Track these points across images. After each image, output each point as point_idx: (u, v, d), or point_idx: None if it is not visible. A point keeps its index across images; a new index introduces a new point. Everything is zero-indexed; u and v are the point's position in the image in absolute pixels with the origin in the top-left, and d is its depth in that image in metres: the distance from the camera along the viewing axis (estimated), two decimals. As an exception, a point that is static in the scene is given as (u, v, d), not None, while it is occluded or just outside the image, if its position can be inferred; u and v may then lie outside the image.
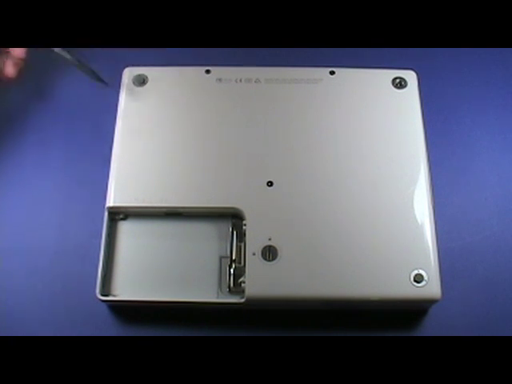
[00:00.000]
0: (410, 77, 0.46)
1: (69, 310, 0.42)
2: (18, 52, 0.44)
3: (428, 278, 0.39)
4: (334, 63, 0.47)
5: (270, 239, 0.40)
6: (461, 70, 0.51)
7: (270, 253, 0.40)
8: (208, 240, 0.42)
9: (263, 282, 0.39)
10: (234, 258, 0.41)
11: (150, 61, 0.47)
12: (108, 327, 0.42)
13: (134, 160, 0.43)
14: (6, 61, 0.44)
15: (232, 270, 0.40)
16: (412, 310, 0.42)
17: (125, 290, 0.40)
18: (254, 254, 0.40)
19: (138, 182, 0.42)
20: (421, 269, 0.39)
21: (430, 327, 0.42)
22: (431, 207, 0.42)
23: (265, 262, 0.40)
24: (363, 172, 0.43)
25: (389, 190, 0.42)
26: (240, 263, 0.41)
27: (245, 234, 0.41)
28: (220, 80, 0.46)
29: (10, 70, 0.44)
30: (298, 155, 0.43)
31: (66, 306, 0.42)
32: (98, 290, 0.40)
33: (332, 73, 0.46)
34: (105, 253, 0.41)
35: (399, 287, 0.39)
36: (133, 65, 0.47)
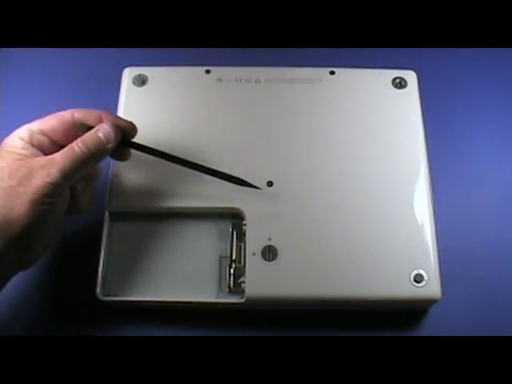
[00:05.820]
0: (410, 77, 0.46)
1: (69, 310, 0.42)
2: None
3: (428, 278, 0.39)
4: (334, 63, 0.47)
5: (270, 239, 0.40)
6: (461, 70, 0.51)
7: (270, 253, 0.40)
8: (208, 240, 0.42)
9: (263, 282, 0.39)
10: (234, 257, 0.41)
11: (150, 61, 0.47)
12: (108, 327, 0.42)
13: (133, 160, 0.43)
14: None
15: (232, 270, 0.40)
16: (412, 310, 0.42)
17: (125, 290, 0.40)
18: (254, 254, 0.40)
19: (137, 183, 0.42)
20: (421, 269, 0.39)
21: (430, 327, 0.42)
22: (431, 207, 0.42)
23: (265, 262, 0.40)
24: (363, 172, 0.43)
25: (389, 190, 0.42)
26: (240, 263, 0.40)
27: (245, 234, 0.41)
28: (220, 80, 0.46)
29: None
30: (297, 155, 0.43)
31: (66, 306, 0.42)
32: (98, 290, 0.39)
33: (332, 73, 0.46)
34: (105, 253, 0.41)
35: (399, 287, 0.39)
36: (133, 65, 0.47)
